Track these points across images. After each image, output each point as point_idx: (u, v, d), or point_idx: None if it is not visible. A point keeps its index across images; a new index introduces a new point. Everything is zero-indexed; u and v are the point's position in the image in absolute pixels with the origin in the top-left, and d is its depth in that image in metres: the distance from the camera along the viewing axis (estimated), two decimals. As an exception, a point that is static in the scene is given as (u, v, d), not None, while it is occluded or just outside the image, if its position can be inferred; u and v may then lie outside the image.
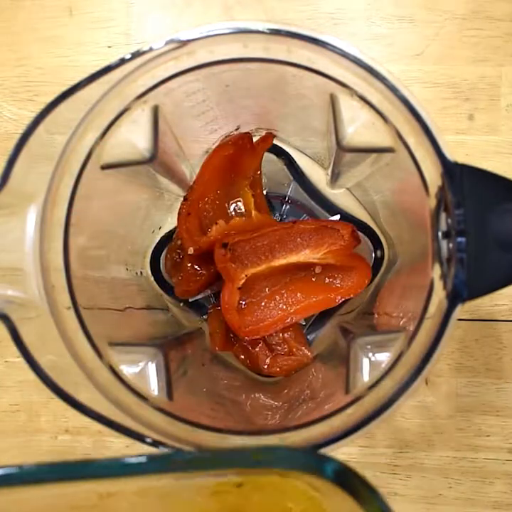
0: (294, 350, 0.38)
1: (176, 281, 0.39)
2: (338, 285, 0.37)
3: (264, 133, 0.39)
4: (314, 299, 0.37)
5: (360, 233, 0.39)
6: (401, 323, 0.29)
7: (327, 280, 0.37)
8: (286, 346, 0.38)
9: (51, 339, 0.26)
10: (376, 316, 0.37)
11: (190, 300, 0.41)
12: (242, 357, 0.38)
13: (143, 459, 0.19)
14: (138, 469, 0.19)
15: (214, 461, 0.20)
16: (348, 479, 0.19)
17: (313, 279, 0.37)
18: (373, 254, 0.40)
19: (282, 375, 0.38)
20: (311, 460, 0.19)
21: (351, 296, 0.37)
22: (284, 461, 0.19)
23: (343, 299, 0.37)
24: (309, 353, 0.37)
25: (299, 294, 0.37)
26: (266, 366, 0.37)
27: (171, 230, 0.41)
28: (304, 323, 0.41)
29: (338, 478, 0.19)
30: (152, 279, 0.41)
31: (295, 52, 0.27)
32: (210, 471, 0.20)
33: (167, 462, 0.19)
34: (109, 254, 0.36)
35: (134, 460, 0.19)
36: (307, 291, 0.37)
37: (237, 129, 0.38)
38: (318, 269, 0.37)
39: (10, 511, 0.20)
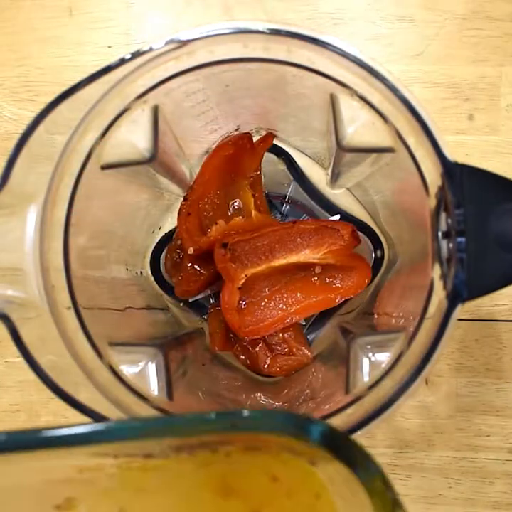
0: (294, 350, 0.38)
1: (175, 281, 0.39)
2: (338, 285, 0.37)
3: (264, 133, 0.39)
4: (314, 299, 0.37)
5: (360, 233, 0.39)
6: (401, 323, 0.29)
7: (327, 280, 0.37)
8: (286, 346, 0.38)
9: (51, 339, 0.26)
10: (376, 316, 0.37)
11: (190, 300, 0.41)
12: (242, 357, 0.38)
13: (121, 424, 0.18)
14: (112, 435, 0.18)
15: (191, 425, 0.19)
16: (337, 443, 0.18)
17: (313, 279, 0.37)
18: (373, 254, 0.40)
19: (282, 375, 0.38)
20: (294, 422, 0.18)
21: (351, 296, 0.37)
22: (263, 424, 0.18)
23: (343, 299, 0.37)
24: (309, 353, 0.38)
25: (299, 294, 0.37)
26: (266, 366, 0.37)
27: (171, 230, 0.41)
28: (303, 323, 0.41)
29: (325, 441, 0.18)
30: (152, 279, 0.41)
31: (295, 52, 0.27)
32: (188, 437, 0.19)
33: (143, 427, 0.18)
34: (109, 254, 0.36)
35: (104, 425, 0.18)
36: (307, 291, 0.37)
37: (237, 129, 0.38)
38: (318, 269, 0.37)
39: None
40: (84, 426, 0.18)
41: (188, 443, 0.20)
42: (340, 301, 0.37)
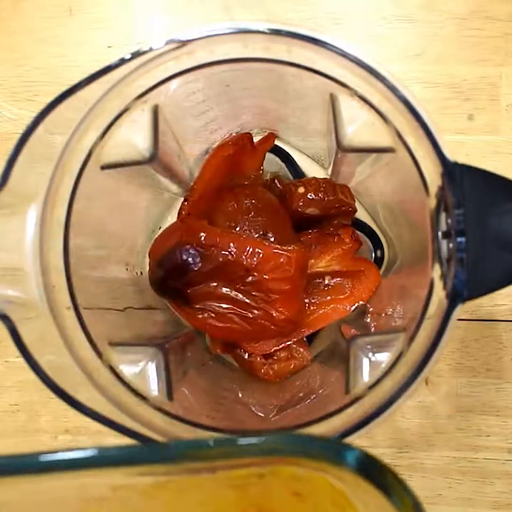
0: (293, 352, 0.37)
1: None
2: (349, 292, 0.37)
3: (266, 133, 0.39)
4: (326, 310, 0.36)
5: (360, 233, 0.39)
6: (401, 323, 0.29)
7: (336, 288, 0.37)
8: (285, 353, 0.37)
9: (51, 339, 0.26)
10: (376, 316, 0.37)
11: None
12: (242, 361, 0.38)
13: (153, 447, 0.18)
14: (144, 457, 0.18)
15: (223, 450, 0.19)
16: (372, 469, 0.18)
17: (324, 290, 0.37)
18: (373, 254, 0.40)
19: (279, 380, 0.38)
20: (330, 448, 0.18)
21: (364, 301, 0.36)
22: (298, 449, 0.18)
23: (356, 306, 0.36)
24: (309, 356, 0.37)
25: (311, 307, 0.36)
26: (262, 371, 0.37)
27: (171, 230, 0.41)
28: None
29: (360, 467, 0.18)
30: (152, 279, 0.41)
31: (295, 52, 0.27)
32: (222, 461, 0.19)
33: (177, 451, 0.18)
34: (109, 254, 0.36)
35: (136, 449, 0.18)
36: (318, 303, 0.37)
37: (238, 130, 0.38)
38: (328, 279, 0.37)
39: (19, 503, 0.20)
40: (121, 448, 0.18)
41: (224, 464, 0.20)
42: (354, 309, 0.36)
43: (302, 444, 0.18)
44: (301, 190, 0.37)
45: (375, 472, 0.18)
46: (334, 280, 0.37)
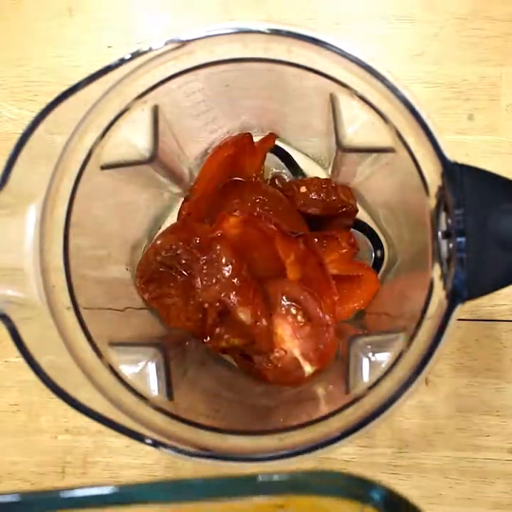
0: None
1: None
2: (347, 298, 0.36)
3: (266, 133, 0.39)
4: None
5: (360, 233, 0.39)
6: (401, 323, 0.29)
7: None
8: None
9: (51, 339, 0.26)
10: (376, 316, 0.37)
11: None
12: (241, 363, 0.37)
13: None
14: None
15: (244, 488, 0.19)
16: (396, 507, 0.18)
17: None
18: (373, 254, 0.40)
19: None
20: (356, 487, 0.18)
21: (364, 306, 0.36)
22: (324, 489, 0.18)
23: (356, 311, 0.36)
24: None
25: None
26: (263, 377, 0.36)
27: (170, 230, 0.41)
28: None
29: (386, 505, 0.18)
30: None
31: (295, 52, 0.27)
32: (242, 497, 0.19)
33: (196, 490, 0.18)
34: (109, 254, 0.36)
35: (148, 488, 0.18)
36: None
37: (238, 130, 0.38)
38: None
39: None
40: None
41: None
42: (354, 314, 0.36)
43: (330, 484, 0.18)
44: (303, 189, 0.37)
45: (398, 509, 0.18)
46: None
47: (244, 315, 0.33)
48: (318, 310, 0.34)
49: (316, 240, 0.37)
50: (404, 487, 0.42)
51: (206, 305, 0.33)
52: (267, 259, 0.35)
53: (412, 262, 0.34)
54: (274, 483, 0.18)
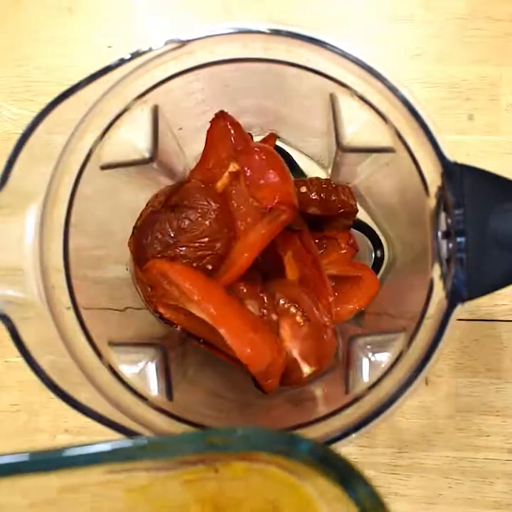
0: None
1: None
2: (346, 298, 0.36)
3: (267, 133, 0.39)
4: None
5: (360, 234, 0.39)
6: (401, 323, 0.29)
7: (335, 294, 0.36)
8: None
9: (51, 339, 0.26)
10: (376, 316, 0.37)
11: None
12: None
13: (89, 449, 0.17)
14: (83, 460, 0.17)
15: (164, 446, 0.18)
16: (326, 461, 0.17)
17: None
18: (373, 254, 0.40)
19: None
20: (280, 440, 0.17)
21: (363, 307, 0.36)
22: (243, 443, 0.18)
23: (355, 312, 0.36)
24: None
25: None
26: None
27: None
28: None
29: (314, 459, 0.17)
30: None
31: (295, 52, 0.27)
32: (164, 458, 0.18)
33: (115, 451, 0.18)
34: (109, 254, 0.36)
35: (78, 450, 0.17)
36: None
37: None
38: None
39: None
40: (73, 449, 0.18)
41: (179, 461, 0.19)
42: (354, 315, 0.36)
43: (252, 438, 0.18)
44: (303, 189, 0.37)
45: (327, 463, 0.17)
46: (331, 285, 0.37)
47: (251, 307, 0.33)
48: (316, 311, 0.34)
49: (317, 240, 0.37)
50: (405, 487, 0.42)
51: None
52: (267, 257, 0.35)
53: (412, 262, 0.34)
54: (174, 442, 0.18)
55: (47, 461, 0.18)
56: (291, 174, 0.34)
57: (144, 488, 0.21)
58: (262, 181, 0.32)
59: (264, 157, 0.33)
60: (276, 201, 0.32)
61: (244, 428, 0.18)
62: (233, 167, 0.33)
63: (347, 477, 0.17)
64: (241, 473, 0.20)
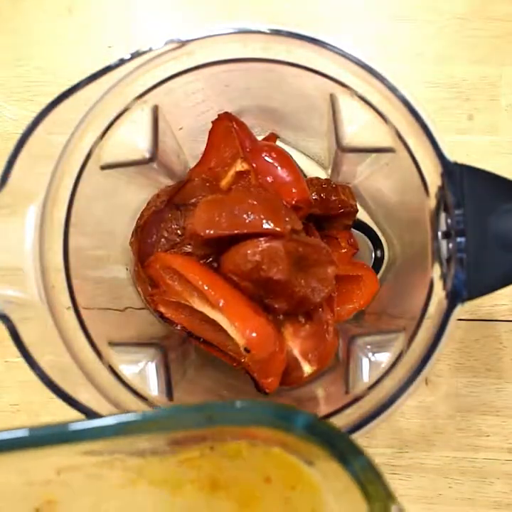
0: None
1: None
2: (346, 298, 0.36)
3: (267, 133, 0.39)
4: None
5: (360, 234, 0.39)
6: (401, 323, 0.29)
7: (335, 294, 0.36)
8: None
9: (51, 339, 0.26)
10: (376, 316, 0.37)
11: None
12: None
13: (87, 424, 0.18)
14: (81, 435, 0.17)
15: (161, 422, 0.18)
16: (321, 432, 0.17)
17: None
18: (373, 254, 0.40)
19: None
20: (278, 412, 0.17)
21: (363, 307, 0.36)
22: (241, 416, 0.17)
23: (356, 312, 0.36)
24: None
25: None
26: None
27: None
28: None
29: (309, 431, 0.17)
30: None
31: (295, 52, 0.27)
32: (161, 434, 0.18)
33: (110, 426, 0.18)
34: (109, 254, 0.36)
35: (77, 425, 0.18)
36: None
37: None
38: None
39: None
40: (64, 425, 0.18)
41: (173, 439, 0.19)
42: (354, 314, 0.36)
43: (252, 411, 0.17)
44: None
45: (325, 435, 0.17)
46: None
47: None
48: (318, 309, 0.33)
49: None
50: (405, 487, 0.42)
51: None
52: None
53: (412, 262, 0.34)
54: (170, 417, 0.18)
55: (47, 436, 0.18)
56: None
57: (140, 468, 0.21)
58: (271, 179, 0.33)
59: (274, 156, 0.34)
60: (295, 200, 0.32)
61: (244, 401, 0.17)
62: (242, 166, 0.33)
63: (342, 449, 0.17)
64: (240, 453, 0.20)
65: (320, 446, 0.17)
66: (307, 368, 0.32)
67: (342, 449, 0.17)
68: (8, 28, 0.46)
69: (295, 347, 0.33)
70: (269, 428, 0.17)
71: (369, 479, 0.17)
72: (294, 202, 0.33)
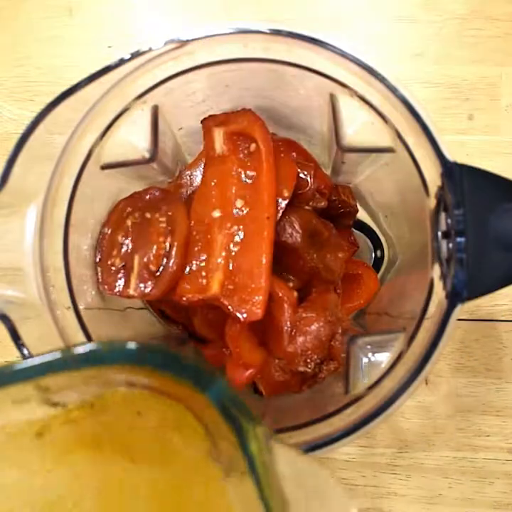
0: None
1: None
2: (347, 297, 0.36)
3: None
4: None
5: (360, 234, 0.39)
6: (401, 323, 0.29)
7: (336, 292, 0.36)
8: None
9: (51, 339, 0.26)
10: (376, 316, 0.37)
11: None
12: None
13: None
14: None
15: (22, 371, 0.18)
16: (178, 366, 0.18)
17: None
18: (373, 254, 0.40)
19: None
20: (133, 351, 0.18)
21: (363, 306, 0.36)
22: (110, 355, 0.18)
23: (356, 310, 0.36)
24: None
25: None
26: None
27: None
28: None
29: (165, 365, 0.17)
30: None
31: (295, 52, 0.27)
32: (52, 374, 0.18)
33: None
34: (109, 254, 0.36)
35: None
36: None
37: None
38: None
39: None
40: None
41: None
42: (354, 314, 0.36)
43: (106, 348, 0.18)
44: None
45: (178, 367, 0.18)
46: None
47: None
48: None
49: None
50: (405, 487, 0.42)
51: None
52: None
53: (412, 262, 0.34)
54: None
55: None
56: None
57: (38, 434, 0.21)
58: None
59: (294, 148, 0.34)
60: (322, 187, 0.33)
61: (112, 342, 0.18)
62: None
63: (199, 378, 0.18)
64: (118, 407, 0.20)
65: (177, 380, 0.18)
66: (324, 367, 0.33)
67: (198, 377, 0.18)
68: (8, 28, 0.46)
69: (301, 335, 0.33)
70: (130, 366, 0.18)
71: (228, 398, 0.18)
72: (322, 188, 0.33)
